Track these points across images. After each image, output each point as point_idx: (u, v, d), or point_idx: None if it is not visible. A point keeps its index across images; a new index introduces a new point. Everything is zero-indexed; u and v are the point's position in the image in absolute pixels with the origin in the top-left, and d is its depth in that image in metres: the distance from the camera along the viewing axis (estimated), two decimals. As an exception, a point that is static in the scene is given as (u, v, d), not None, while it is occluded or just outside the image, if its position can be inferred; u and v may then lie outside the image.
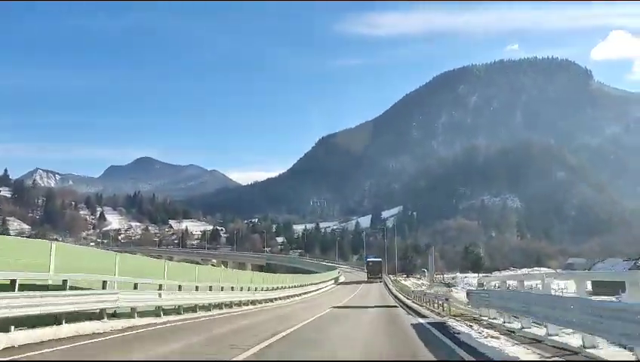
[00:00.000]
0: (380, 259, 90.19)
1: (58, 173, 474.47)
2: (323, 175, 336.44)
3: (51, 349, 9.68)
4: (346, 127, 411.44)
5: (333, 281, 72.70)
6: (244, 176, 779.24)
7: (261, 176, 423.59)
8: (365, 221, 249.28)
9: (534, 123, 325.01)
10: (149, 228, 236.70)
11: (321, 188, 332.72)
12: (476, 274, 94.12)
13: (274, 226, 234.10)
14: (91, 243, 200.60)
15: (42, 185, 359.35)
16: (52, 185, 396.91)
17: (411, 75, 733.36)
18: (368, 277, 78.41)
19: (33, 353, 9.11)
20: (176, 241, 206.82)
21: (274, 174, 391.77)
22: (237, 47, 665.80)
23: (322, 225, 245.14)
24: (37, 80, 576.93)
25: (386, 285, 67.93)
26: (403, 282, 69.96)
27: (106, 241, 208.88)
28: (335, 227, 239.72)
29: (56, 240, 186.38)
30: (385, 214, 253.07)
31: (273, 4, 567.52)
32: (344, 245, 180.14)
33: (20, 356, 8.74)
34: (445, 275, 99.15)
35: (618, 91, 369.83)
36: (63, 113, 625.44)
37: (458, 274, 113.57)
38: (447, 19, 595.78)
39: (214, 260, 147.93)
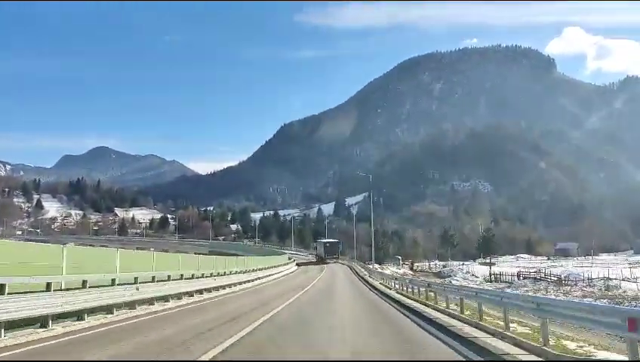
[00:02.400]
0: (337, 241, 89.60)
1: (8, 163, 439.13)
2: (284, 163, 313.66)
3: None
4: (307, 114, 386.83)
5: (293, 265, 59.74)
6: (205, 166, 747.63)
7: (222, 166, 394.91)
8: (328, 208, 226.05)
9: (500, 110, 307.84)
10: (91, 216, 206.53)
11: (282, 176, 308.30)
12: (471, 262, 70.78)
13: (229, 214, 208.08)
14: (18, 232, 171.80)
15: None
16: (2, 175, 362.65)
17: (373, 63, 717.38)
18: (325, 258, 75.36)
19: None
20: (117, 230, 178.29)
21: (234, 163, 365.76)
22: (197, 37, 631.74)
23: (283, 212, 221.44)
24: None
25: (361, 277, 43.64)
26: (384, 271, 46.09)
27: (39, 231, 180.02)
28: (296, 215, 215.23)
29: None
30: (349, 201, 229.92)
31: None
32: (305, 232, 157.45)
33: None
34: (431, 263, 75.61)
35: (577, 82, 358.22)
36: (13, 99, 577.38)
37: (441, 261, 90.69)
38: (405, 12, 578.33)
39: (152, 249, 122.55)
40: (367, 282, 36.58)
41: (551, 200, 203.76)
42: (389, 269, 57.41)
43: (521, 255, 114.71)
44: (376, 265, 55.56)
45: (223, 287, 25.42)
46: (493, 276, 53.72)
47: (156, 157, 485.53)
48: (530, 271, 53.48)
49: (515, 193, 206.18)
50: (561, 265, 63.99)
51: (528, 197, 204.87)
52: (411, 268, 72.18)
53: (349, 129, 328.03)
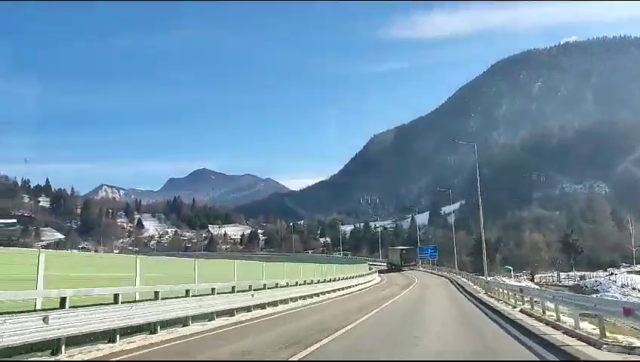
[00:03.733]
0: (413, 247, 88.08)
1: (122, 189, 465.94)
2: (376, 174, 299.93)
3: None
4: (397, 124, 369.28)
5: (374, 277, 49.77)
6: (298, 182, 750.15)
7: (314, 181, 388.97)
8: (423, 218, 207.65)
9: (611, 105, 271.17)
10: (186, 233, 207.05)
11: (373, 188, 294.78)
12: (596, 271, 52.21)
13: (319, 227, 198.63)
14: (115, 251, 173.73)
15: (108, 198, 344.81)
16: (117, 199, 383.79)
17: (464, 68, 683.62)
18: (401, 266, 73.36)
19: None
20: (204, 245, 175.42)
21: (326, 177, 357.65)
22: (284, 56, 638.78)
23: (375, 224, 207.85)
24: (95, 101, 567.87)
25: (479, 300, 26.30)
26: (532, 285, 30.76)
27: (137, 249, 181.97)
28: (389, 225, 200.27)
29: (83, 248, 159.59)
30: (445, 210, 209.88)
31: (322, 17, 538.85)
32: (397, 243, 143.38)
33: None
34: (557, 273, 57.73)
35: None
36: (125, 130, 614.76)
37: (560, 271, 71.62)
38: (493, 16, 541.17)
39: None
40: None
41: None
42: (507, 281, 41.52)
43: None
44: (489, 277, 39.99)
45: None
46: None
47: (252, 176, 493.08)
48: None
49: (638, 194, 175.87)
50: None
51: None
52: (532, 280, 55.44)
53: (441, 136, 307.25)
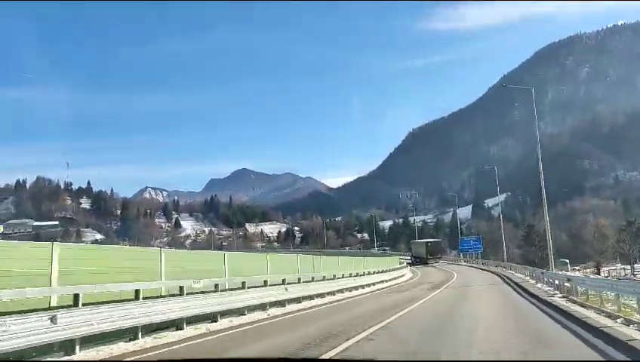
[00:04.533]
0: (440, 240, 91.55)
1: (165, 190, 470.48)
2: (415, 169, 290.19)
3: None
4: (437, 117, 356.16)
5: (405, 272, 45.18)
6: (338, 180, 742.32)
7: (353, 178, 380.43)
8: (465, 212, 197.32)
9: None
10: (223, 231, 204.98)
11: (413, 182, 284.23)
12: None
13: (357, 223, 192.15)
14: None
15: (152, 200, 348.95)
16: (160, 201, 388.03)
17: (505, 59, 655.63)
18: (427, 259, 70.96)
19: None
20: (236, 243, 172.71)
21: (365, 174, 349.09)
22: (322, 55, 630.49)
23: (416, 218, 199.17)
24: (137, 105, 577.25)
25: None
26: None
27: (173, 248, 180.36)
28: (429, 220, 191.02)
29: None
30: (489, 202, 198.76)
31: (362, 11, 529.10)
32: (438, 237, 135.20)
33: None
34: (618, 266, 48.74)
35: None
36: (167, 134, 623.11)
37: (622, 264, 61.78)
38: (535, 6, 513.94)
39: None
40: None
41: None
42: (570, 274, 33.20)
43: None
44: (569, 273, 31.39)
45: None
46: None
47: (291, 175, 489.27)
48: None
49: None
50: None
51: None
52: (597, 274, 46.70)
53: (482, 127, 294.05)
